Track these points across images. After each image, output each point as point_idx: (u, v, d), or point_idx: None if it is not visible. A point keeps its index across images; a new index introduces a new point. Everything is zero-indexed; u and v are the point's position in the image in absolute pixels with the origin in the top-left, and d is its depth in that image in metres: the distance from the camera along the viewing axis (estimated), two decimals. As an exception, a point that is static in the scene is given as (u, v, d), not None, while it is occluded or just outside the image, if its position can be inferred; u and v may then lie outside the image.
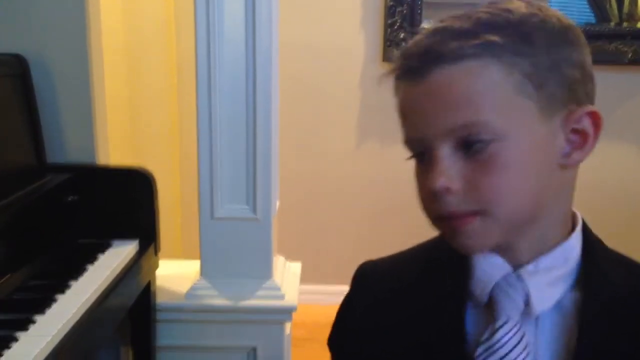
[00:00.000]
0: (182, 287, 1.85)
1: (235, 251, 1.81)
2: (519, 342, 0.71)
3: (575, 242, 0.75)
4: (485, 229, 0.69)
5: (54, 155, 1.69)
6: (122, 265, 1.56)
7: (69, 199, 1.62)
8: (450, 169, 0.68)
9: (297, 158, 2.83)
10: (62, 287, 1.37)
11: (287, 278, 1.91)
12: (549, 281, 0.73)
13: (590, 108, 0.70)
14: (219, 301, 1.80)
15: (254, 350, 1.83)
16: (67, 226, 1.62)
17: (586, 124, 0.70)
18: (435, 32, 0.70)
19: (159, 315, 1.86)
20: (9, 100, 1.56)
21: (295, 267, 2.03)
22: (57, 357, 1.17)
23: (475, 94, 0.66)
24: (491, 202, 0.67)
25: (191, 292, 1.82)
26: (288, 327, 1.87)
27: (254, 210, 1.78)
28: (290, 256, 2.04)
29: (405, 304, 0.83)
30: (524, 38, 0.67)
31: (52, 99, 1.69)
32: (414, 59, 0.69)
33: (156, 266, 1.79)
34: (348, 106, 2.93)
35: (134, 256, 1.63)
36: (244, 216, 1.78)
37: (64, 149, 1.71)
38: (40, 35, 1.66)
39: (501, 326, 0.72)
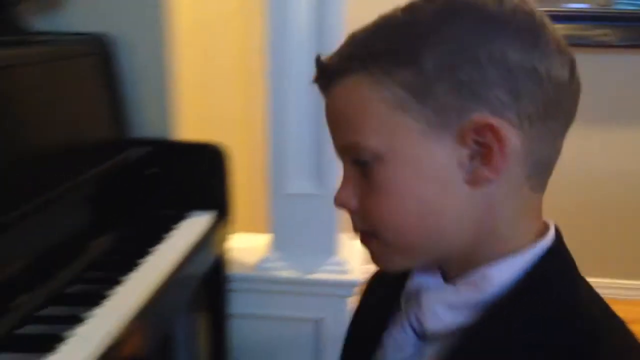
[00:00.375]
0: (253, 259, 1.92)
1: (303, 226, 1.87)
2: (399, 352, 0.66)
3: (503, 270, 0.60)
4: (382, 252, 0.64)
5: (132, 130, 1.78)
6: (199, 235, 1.63)
7: (149, 171, 1.71)
8: (348, 187, 0.62)
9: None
10: (144, 254, 1.46)
11: (351, 255, 1.95)
12: (449, 303, 0.63)
13: (486, 120, 0.55)
14: (287, 273, 1.87)
15: (321, 321, 1.88)
16: (147, 198, 1.71)
17: (489, 137, 0.56)
18: (343, 42, 0.63)
19: (232, 285, 1.94)
20: (93, 78, 1.66)
21: (359, 245, 2.06)
22: (142, 317, 1.24)
23: (351, 113, 0.59)
24: (376, 225, 0.61)
25: (261, 264, 1.90)
26: (350, 301, 1.92)
27: (322, 186, 1.82)
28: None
29: (369, 293, 0.81)
30: (408, 42, 0.57)
31: (131, 76, 1.78)
32: (318, 73, 0.64)
33: (229, 238, 1.86)
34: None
35: (209, 227, 1.70)
36: (312, 192, 1.83)
37: (141, 124, 1.79)
38: (121, 15, 1.75)
39: (391, 332, 0.69)
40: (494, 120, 0.55)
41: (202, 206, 1.76)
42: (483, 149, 0.56)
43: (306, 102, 1.76)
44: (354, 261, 1.92)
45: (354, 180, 0.62)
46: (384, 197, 0.59)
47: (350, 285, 1.85)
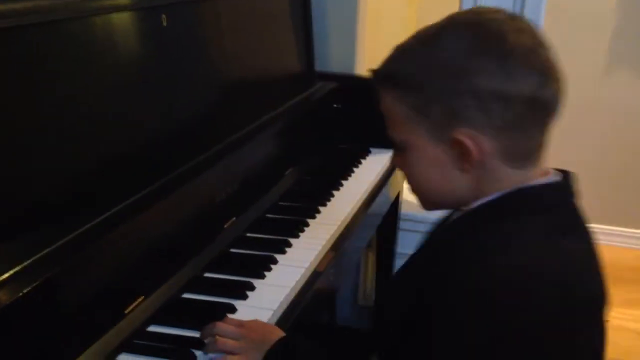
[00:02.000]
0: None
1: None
2: None
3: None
4: (418, 200, 0.90)
5: (320, 64, 1.79)
6: (382, 171, 1.64)
7: (334, 106, 1.72)
8: (397, 157, 0.87)
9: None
10: (337, 185, 1.49)
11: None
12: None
13: (464, 134, 0.78)
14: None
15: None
16: (330, 131, 1.73)
17: (466, 146, 0.78)
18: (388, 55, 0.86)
19: (402, 225, 1.94)
20: (288, 14, 1.67)
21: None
22: (337, 243, 1.28)
23: (387, 113, 0.84)
24: (410, 185, 0.89)
25: (435, 206, 1.88)
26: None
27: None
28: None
29: None
30: (415, 75, 0.80)
31: (319, 10, 1.78)
32: (373, 79, 0.87)
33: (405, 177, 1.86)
34: (599, 28, 2.71)
35: (390, 164, 1.70)
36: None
37: (328, 59, 1.80)
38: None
39: None
40: (469, 135, 0.78)
41: (383, 143, 1.76)
42: (464, 152, 0.79)
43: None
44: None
45: (401, 156, 0.86)
46: (409, 171, 0.86)
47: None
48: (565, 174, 0.86)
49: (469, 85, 0.77)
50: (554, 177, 0.84)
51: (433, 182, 0.84)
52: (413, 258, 0.93)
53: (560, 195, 0.84)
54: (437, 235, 0.93)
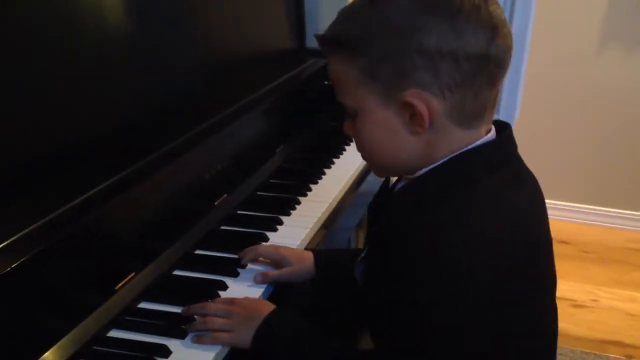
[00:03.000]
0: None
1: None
2: None
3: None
4: (370, 167, 0.91)
5: (311, 40, 1.78)
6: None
7: (326, 83, 1.71)
8: (348, 122, 0.85)
9: (530, 59, 2.65)
10: (328, 163, 1.48)
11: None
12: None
13: (413, 95, 0.76)
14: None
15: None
16: (321, 109, 1.72)
17: (416, 106, 0.77)
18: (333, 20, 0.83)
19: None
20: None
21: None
22: (328, 221, 1.28)
23: (336, 79, 0.82)
24: (360, 152, 0.87)
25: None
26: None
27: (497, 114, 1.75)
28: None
29: None
30: (362, 37, 0.77)
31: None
32: (319, 45, 0.84)
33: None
34: (592, 4, 2.70)
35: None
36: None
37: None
38: None
39: None
40: (419, 95, 0.76)
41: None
42: (415, 114, 0.77)
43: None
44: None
45: (351, 122, 0.84)
46: (360, 137, 0.84)
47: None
48: (504, 126, 0.85)
49: (417, 44, 0.74)
50: (493, 134, 0.83)
51: (384, 147, 0.82)
52: (373, 237, 0.92)
53: (504, 151, 0.83)
54: (388, 209, 0.88)
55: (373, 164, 0.87)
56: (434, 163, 0.81)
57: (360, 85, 0.78)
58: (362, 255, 0.98)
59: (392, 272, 0.79)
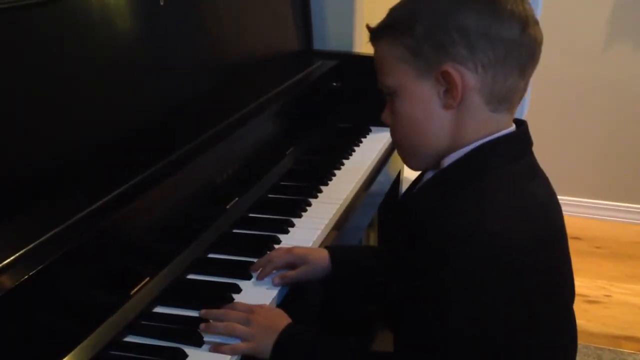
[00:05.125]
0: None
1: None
2: None
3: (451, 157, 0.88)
4: (402, 155, 0.95)
5: (318, 42, 1.78)
6: (383, 150, 1.64)
7: (334, 84, 1.71)
8: (387, 110, 0.91)
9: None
10: (338, 164, 1.48)
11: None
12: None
13: (450, 68, 0.83)
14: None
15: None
16: (330, 110, 1.73)
17: (452, 79, 0.83)
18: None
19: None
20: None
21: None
22: (339, 222, 1.28)
23: (380, 62, 0.89)
24: (393, 135, 0.92)
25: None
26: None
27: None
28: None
29: None
30: (408, 17, 0.85)
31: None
32: (369, 35, 0.91)
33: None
34: (599, 1, 2.69)
35: (390, 143, 1.70)
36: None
37: (326, 36, 1.79)
38: None
39: None
40: (456, 69, 0.83)
41: (381, 123, 1.75)
42: (450, 86, 0.84)
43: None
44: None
45: (390, 106, 0.90)
46: (397, 117, 0.89)
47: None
48: (521, 123, 0.91)
49: (457, 22, 0.82)
50: (513, 127, 0.89)
51: (418, 125, 0.87)
52: (395, 235, 0.94)
53: (523, 145, 0.89)
54: (412, 205, 0.94)
55: (405, 149, 0.92)
56: (460, 148, 0.86)
57: (402, 63, 0.85)
58: (388, 250, 1.00)
59: (423, 259, 0.81)
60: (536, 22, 0.86)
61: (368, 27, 0.92)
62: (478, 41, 0.82)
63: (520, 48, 0.84)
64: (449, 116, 0.86)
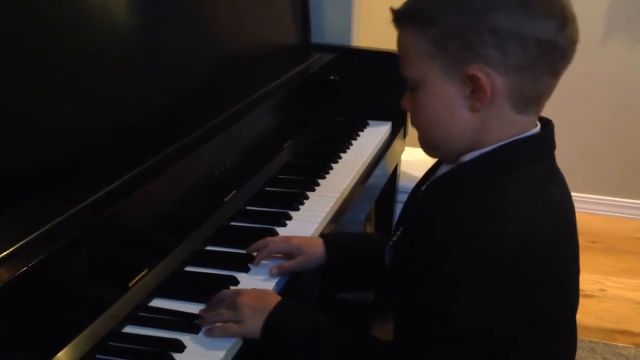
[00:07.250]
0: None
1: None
2: None
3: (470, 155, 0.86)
4: (421, 144, 0.90)
5: (315, 35, 1.78)
6: (380, 144, 1.64)
7: (332, 78, 1.72)
8: (407, 97, 0.87)
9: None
10: (335, 158, 1.49)
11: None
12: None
13: (479, 70, 0.79)
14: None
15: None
16: (327, 104, 1.73)
17: (479, 81, 0.79)
18: None
19: (400, 197, 1.95)
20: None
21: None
22: (336, 215, 1.29)
23: (404, 52, 0.85)
24: (415, 126, 0.89)
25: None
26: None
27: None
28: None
29: None
30: (436, 9, 0.81)
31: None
32: (392, 19, 0.87)
33: (403, 150, 1.86)
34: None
35: (388, 137, 1.70)
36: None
37: (324, 30, 1.79)
38: None
39: None
40: (484, 71, 0.79)
41: (380, 116, 1.76)
42: (477, 88, 0.80)
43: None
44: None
45: (411, 94, 0.87)
46: (418, 111, 0.86)
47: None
48: (547, 122, 0.89)
49: (489, 22, 0.78)
50: (539, 128, 0.87)
51: (440, 122, 0.84)
52: (408, 225, 0.93)
53: (547, 147, 0.87)
54: (424, 199, 0.91)
55: (425, 140, 0.89)
56: (481, 148, 0.84)
57: (426, 57, 0.81)
58: (394, 239, 0.97)
59: (429, 253, 0.80)
60: (574, 20, 0.81)
61: (392, 9, 0.87)
62: (510, 43, 0.78)
63: (555, 49, 0.80)
64: (473, 118, 0.82)
